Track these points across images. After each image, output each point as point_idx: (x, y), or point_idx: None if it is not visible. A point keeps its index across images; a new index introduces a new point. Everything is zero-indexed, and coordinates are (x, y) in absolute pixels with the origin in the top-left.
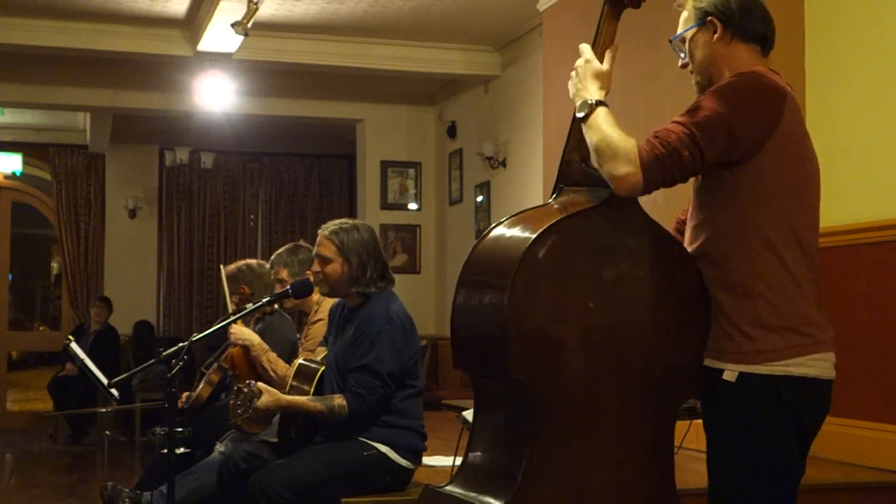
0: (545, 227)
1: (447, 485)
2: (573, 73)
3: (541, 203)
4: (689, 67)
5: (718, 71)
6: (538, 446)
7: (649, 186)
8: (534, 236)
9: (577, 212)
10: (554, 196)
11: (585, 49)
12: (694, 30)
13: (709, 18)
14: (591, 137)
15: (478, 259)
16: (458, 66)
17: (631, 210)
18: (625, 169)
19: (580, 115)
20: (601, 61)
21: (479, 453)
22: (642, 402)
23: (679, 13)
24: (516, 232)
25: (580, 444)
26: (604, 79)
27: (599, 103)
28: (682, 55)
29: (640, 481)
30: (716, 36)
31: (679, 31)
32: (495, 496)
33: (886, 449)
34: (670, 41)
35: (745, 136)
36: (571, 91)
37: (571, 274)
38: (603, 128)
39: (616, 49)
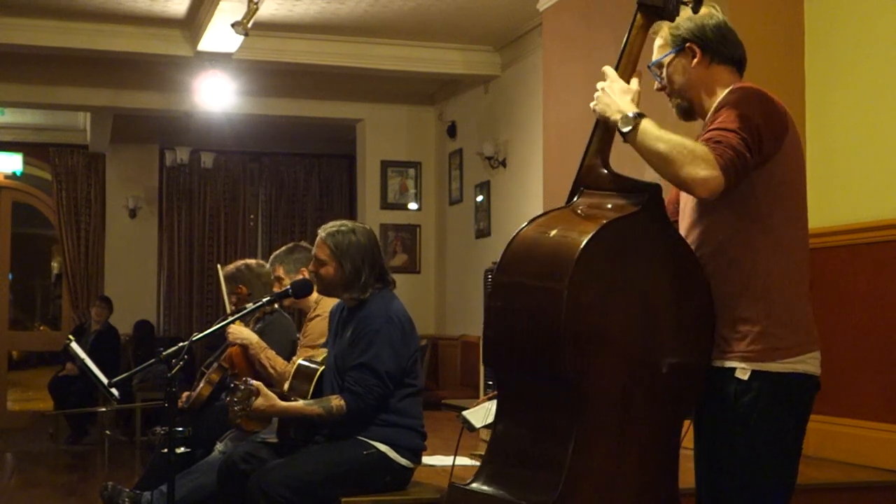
0: (597, 228)
1: (472, 482)
2: (598, 93)
3: (554, 205)
4: (667, 91)
5: (698, 94)
6: (581, 444)
7: (727, 188)
8: (586, 237)
9: (621, 216)
10: (576, 198)
11: (609, 71)
12: (672, 56)
13: (687, 45)
14: (654, 147)
15: (517, 260)
16: (458, 66)
17: (662, 218)
18: (706, 172)
19: (625, 129)
20: (628, 74)
21: (508, 451)
22: (661, 402)
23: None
24: (558, 234)
25: (613, 443)
26: (633, 95)
27: (641, 115)
28: (660, 79)
29: (655, 480)
30: (695, 61)
31: (656, 57)
32: (535, 494)
33: (886, 449)
34: (648, 67)
35: (767, 141)
36: (600, 108)
37: (616, 276)
38: (666, 136)
39: (640, 74)
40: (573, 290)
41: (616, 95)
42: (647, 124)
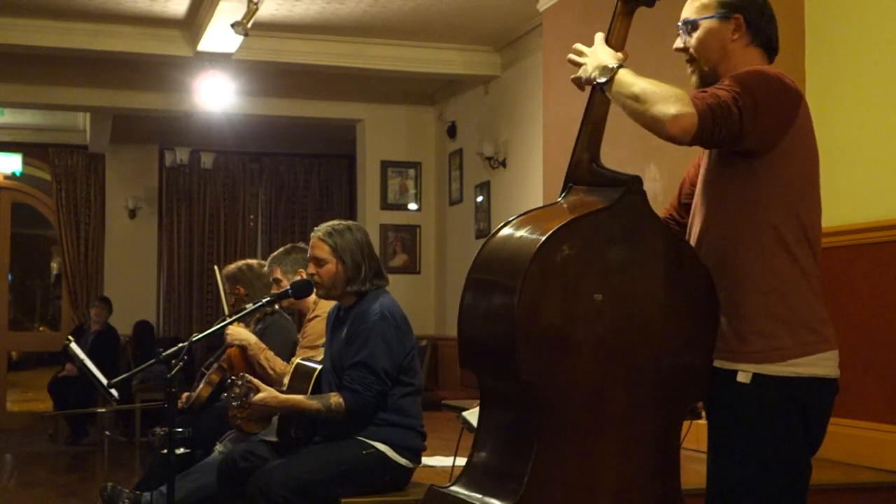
0: (556, 227)
1: (452, 485)
2: (581, 58)
3: (546, 203)
4: (688, 54)
5: (726, 68)
6: (545, 447)
7: (701, 132)
8: (544, 237)
9: (588, 212)
10: (563, 195)
11: (599, 36)
12: (715, 20)
13: (735, 15)
14: (628, 90)
15: (486, 259)
16: (458, 66)
17: (642, 210)
18: (678, 108)
19: (602, 79)
20: None
21: (484, 454)
22: (649, 402)
23: None
24: (526, 232)
25: (587, 445)
26: (620, 57)
27: (620, 66)
28: (686, 39)
29: (646, 482)
30: (737, 34)
31: (693, 15)
32: (501, 498)
33: (887, 449)
34: (680, 23)
35: (767, 121)
36: (584, 70)
37: (582, 274)
38: (639, 79)
39: (626, 56)
40: (527, 290)
41: (598, 52)
42: (624, 72)
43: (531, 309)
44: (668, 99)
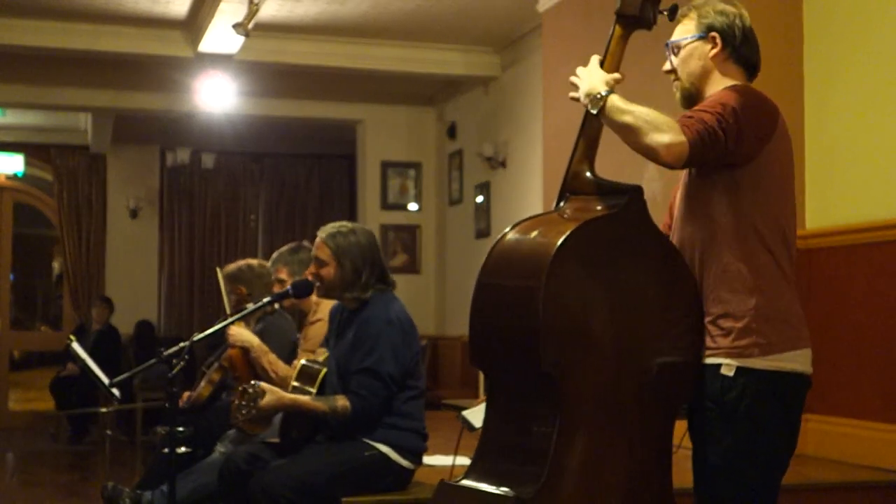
0: (573, 227)
1: (463, 479)
2: (578, 81)
3: (544, 210)
4: (675, 75)
5: (706, 84)
6: (565, 437)
7: (692, 158)
8: (562, 238)
9: (599, 216)
10: (561, 204)
11: (594, 59)
12: (693, 40)
13: (711, 34)
14: (620, 119)
15: (499, 262)
16: (458, 66)
17: (644, 218)
18: (670, 138)
19: (594, 110)
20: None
21: (495, 447)
22: (651, 401)
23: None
24: (538, 234)
25: (601, 439)
26: (609, 80)
27: (609, 92)
28: (672, 61)
29: (646, 480)
30: (714, 51)
31: (677, 37)
32: (520, 486)
33: (885, 449)
34: (665, 45)
35: (748, 136)
36: (581, 95)
37: (594, 275)
38: (630, 107)
39: (622, 78)
40: (549, 288)
41: (590, 77)
42: (613, 100)
43: (553, 305)
44: (660, 128)
